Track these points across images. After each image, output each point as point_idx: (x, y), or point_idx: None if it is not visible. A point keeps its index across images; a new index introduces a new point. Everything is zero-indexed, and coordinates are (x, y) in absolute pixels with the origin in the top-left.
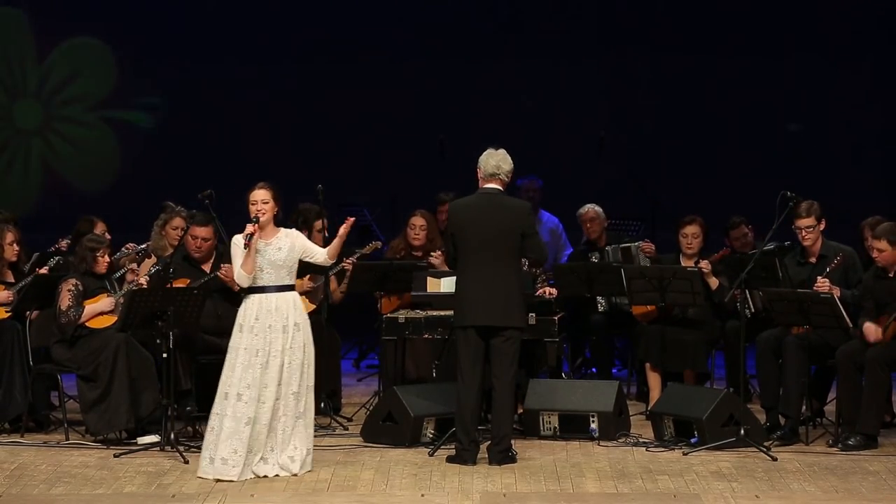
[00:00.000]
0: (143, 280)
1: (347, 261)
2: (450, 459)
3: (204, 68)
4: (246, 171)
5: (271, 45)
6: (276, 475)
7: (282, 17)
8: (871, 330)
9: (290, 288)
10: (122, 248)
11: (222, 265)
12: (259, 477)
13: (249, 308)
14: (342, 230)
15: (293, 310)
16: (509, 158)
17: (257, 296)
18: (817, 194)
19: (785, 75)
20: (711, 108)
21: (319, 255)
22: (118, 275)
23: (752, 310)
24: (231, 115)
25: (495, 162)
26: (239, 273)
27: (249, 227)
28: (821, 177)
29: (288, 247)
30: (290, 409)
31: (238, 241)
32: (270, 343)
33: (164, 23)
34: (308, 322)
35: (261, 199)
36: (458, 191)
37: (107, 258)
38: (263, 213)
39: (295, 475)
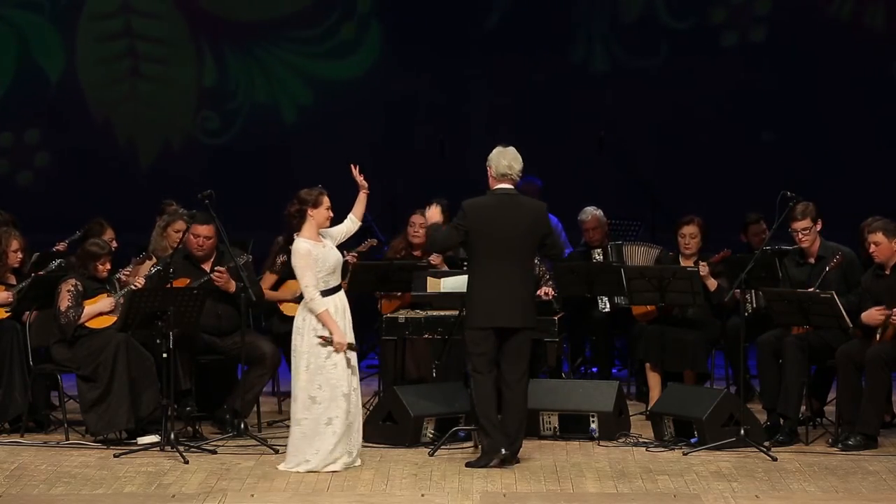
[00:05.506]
0: (139, 281)
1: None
2: (471, 464)
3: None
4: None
5: None
6: (334, 470)
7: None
8: (873, 314)
9: (339, 288)
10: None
11: (217, 268)
12: (332, 471)
13: (309, 315)
14: (361, 181)
15: (344, 308)
16: (519, 157)
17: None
18: (817, 195)
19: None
20: (711, 107)
21: (350, 226)
22: (119, 275)
23: (754, 305)
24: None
25: (507, 161)
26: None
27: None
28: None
29: (331, 246)
30: (354, 404)
31: (301, 249)
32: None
33: None
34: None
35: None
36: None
37: (108, 265)
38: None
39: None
